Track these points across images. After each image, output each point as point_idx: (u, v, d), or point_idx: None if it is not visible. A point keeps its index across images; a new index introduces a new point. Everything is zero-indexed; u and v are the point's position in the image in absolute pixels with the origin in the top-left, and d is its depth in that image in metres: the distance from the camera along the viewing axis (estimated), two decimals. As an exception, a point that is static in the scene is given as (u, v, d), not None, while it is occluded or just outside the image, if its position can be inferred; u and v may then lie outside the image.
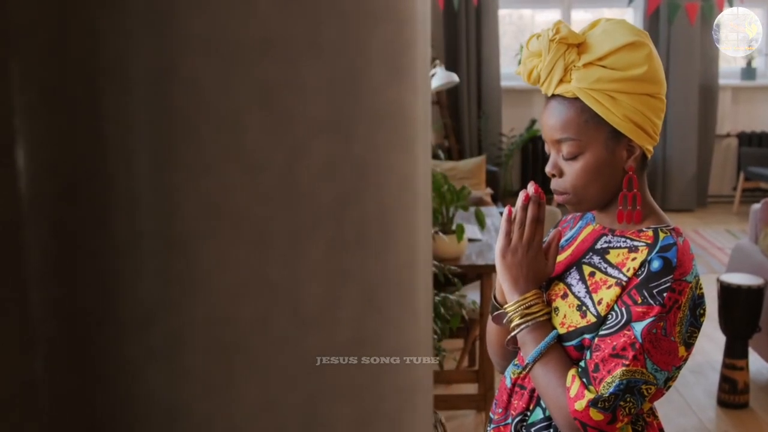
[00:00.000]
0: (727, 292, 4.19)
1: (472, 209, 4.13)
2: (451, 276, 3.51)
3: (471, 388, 4.23)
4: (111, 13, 0.32)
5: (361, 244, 0.35)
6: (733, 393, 4.25)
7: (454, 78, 5.34)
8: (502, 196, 7.48)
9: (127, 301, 0.33)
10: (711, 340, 5.05)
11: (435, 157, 7.54)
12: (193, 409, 0.34)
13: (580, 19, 9.19)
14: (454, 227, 3.86)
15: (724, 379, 4.27)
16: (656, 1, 6.85)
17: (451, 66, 8.39)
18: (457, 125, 8.72)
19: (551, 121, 1.55)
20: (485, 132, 8.76)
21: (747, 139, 9.12)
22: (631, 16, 9.18)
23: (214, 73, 0.31)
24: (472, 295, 4.38)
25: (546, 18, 9.35)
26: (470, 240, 4.10)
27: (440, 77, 5.32)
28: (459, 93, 8.63)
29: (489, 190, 6.89)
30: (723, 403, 4.27)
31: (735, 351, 4.24)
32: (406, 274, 0.38)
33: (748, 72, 9.19)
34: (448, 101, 8.53)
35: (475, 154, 8.55)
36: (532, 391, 1.61)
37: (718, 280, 4.28)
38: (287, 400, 0.34)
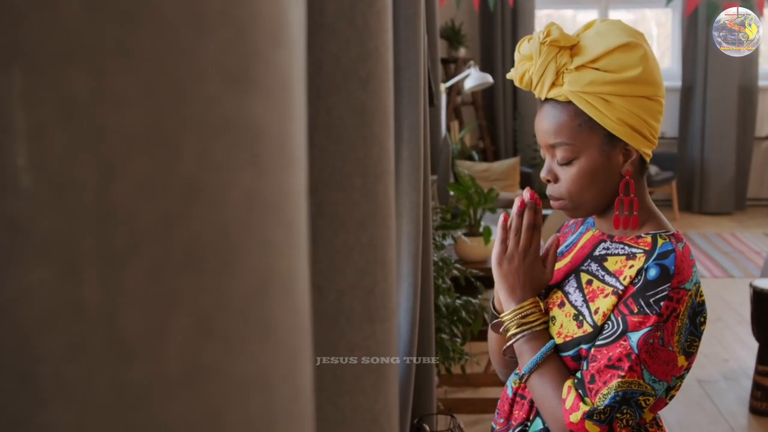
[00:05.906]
0: (759, 297, 4.09)
1: (500, 211, 4.09)
2: (473, 279, 3.48)
3: (498, 392, 4.19)
4: None
5: (193, 268, 0.32)
6: (765, 400, 4.15)
7: (489, 79, 5.31)
8: (536, 197, 7.39)
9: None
10: (745, 346, 4.95)
11: (469, 158, 7.51)
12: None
13: (621, 18, 9.07)
14: (481, 230, 3.83)
15: (757, 386, 4.17)
16: (695, 1, 6.75)
17: (486, 67, 8.35)
18: (492, 126, 8.67)
19: (544, 126, 1.51)
20: (520, 133, 8.71)
21: (788, 142, 8.97)
22: (670, 17, 9.07)
23: (14, 86, 0.29)
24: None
25: (587, 18, 9.25)
26: (497, 242, 4.06)
27: (475, 78, 5.29)
28: (494, 94, 8.59)
29: (521, 192, 6.84)
30: (755, 410, 4.17)
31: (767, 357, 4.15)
32: (260, 299, 0.36)
33: (790, 73, 9.03)
34: (483, 102, 8.48)
35: (510, 156, 8.50)
36: (532, 401, 1.58)
37: (750, 285, 4.18)
38: (105, 436, 0.32)
